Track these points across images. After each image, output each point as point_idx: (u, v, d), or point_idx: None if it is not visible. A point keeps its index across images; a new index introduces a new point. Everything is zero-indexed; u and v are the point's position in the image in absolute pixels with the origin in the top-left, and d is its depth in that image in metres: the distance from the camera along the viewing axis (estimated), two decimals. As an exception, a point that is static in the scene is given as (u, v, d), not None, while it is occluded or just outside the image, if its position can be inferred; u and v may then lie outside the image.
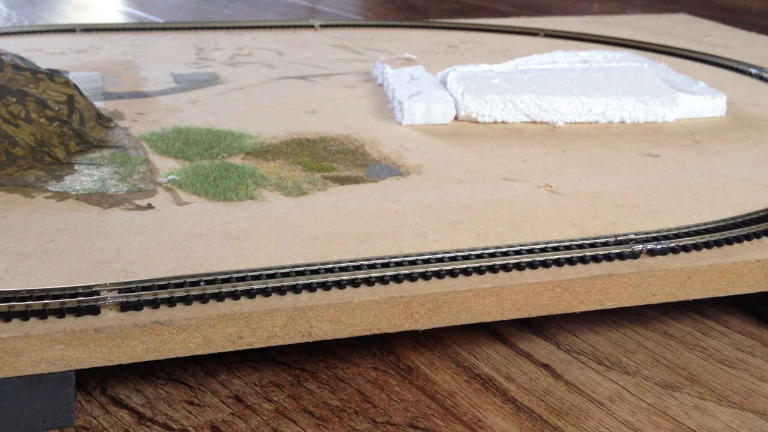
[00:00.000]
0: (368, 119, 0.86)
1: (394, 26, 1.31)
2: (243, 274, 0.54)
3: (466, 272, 0.56)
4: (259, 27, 1.25)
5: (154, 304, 0.51)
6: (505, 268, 0.57)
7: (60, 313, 0.50)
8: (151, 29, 1.22)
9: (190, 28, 1.23)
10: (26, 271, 0.54)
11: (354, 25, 1.30)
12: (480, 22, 1.33)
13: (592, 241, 0.61)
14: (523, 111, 0.86)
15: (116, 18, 1.68)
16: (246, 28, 1.25)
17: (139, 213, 0.63)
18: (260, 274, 0.54)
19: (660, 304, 0.61)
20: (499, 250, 0.59)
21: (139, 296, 0.51)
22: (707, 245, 0.61)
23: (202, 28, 1.23)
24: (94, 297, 0.51)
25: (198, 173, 0.70)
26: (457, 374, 0.57)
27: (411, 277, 0.55)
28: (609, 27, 1.35)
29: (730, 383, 0.58)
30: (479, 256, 0.58)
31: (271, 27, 1.26)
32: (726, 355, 0.61)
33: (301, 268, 0.55)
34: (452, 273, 0.56)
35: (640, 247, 0.60)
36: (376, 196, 0.68)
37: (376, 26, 1.30)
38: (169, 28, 1.23)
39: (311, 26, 1.27)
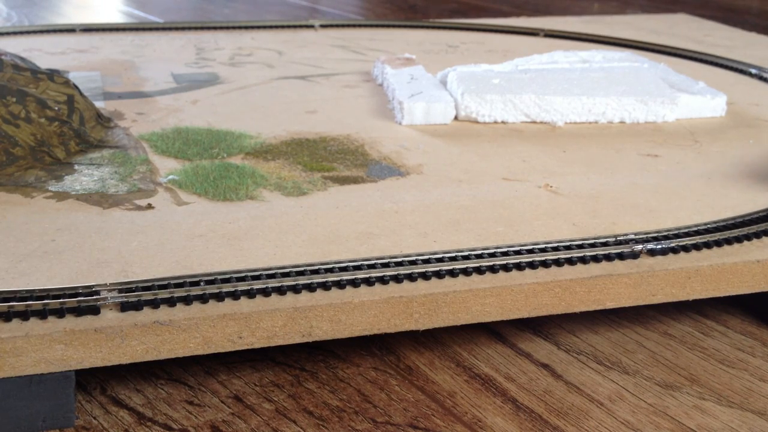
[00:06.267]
0: (368, 119, 0.86)
1: (394, 26, 1.31)
2: (243, 274, 0.54)
3: (466, 272, 0.56)
4: (259, 27, 1.25)
5: (154, 304, 0.51)
6: (505, 268, 0.57)
7: (60, 313, 0.50)
8: (151, 29, 1.22)
9: (190, 28, 1.23)
10: (26, 271, 0.54)
11: (354, 25, 1.30)
12: (480, 22, 1.33)
13: (592, 241, 0.61)
14: (523, 111, 0.86)
15: (116, 18, 1.68)
16: (246, 28, 1.25)
17: (139, 213, 0.63)
18: (260, 274, 0.54)
19: (660, 304, 0.61)
20: (499, 250, 0.59)
21: (139, 296, 0.51)
22: (707, 245, 0.61)
23: (202, 28, 1.23)
24: (94, 297, 0.51)
25: (198, 173, 0.70)
26: (457, 374, 0.57)
27: (411, 277, 0.55)
28: (609, 27, 1.35)
29: (730, 383, 0.58)
30: (479, 256, 0.58)
31: (271, 27, 1.26)
32: (726, 355, 0.61)
33: (301, 268, 0.55)
34: (452, 273, 0.56)
35: (640, 247, 0.60)
36: (376, 196, 0.68)
37: (376, 26, 1.30)
38: (169, 28, 1.23)
39: (311, 26, 1.27)
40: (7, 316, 0.49)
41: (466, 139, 0.81)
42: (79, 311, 0.50)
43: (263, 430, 0.51)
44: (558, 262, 0.58)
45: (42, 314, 0.49)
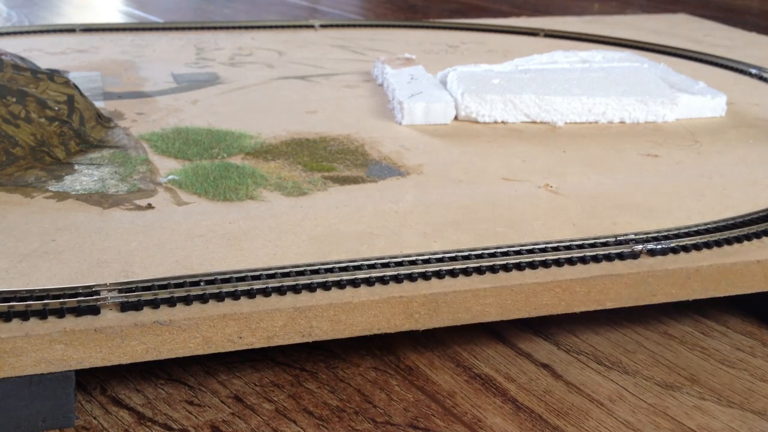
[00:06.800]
0: (368, 119, 0.86)
1: (394, 26, 1.31)
2: (243, 274, 0.54)
3: (466, 272, 0.56)
4: (259, 27, 1.25)
5: (154, 304, 0.51)
6: (505, 268, 0.57)
7: (60, 313, 0.50)
8: (151, 29, 1.22)
9: (190, 28, 1.23)
10: (26, 271, 0.54)
11: (354, 25, 1.30)
12: (480, 22, 1.33)
13: (592, 241, 0.61)
14: (523, 111, 0.86)
15: (116, 18, 1.68)
16: (246, 28, 1.25)
17: (139, 213, 0.63)
18: (260, 274, 0.54)
19: (660, 304, 0.61)
20: (499, 250, 0.59)
21: (139, 296, 0.51)
22: (707, 245, 0.61)
23: (202, 28, 1.23)
24: (94, 297, 0.51)
25: (198, 173, 0.70)
26: (457, 374, 0.57)
27: (411, 277, 0.55)
28: (609, 27, 1.35)
29: (730, 383, 0.58)
30: (479, 256, 0.58)
31: (271, 27, 1.26)
32: (726, 355, 0.61)
33: (301, 268, 0.55)
34: (452, 273, 0.56)
35: (640, 247, 0.60)
36: (376, 196, 0.68)
37: (376, 26, 1.30)
38: (169, 28, 1.23)
39: (311, 26, 1.27)
40: (7, 316, 0.49)
41: (466, 139, 0.81)
42: (79, 311, 0.50)
43: (263, 430, 0.51)
44: (558, 262, 0.58)
45: (42, 314, 0.49)
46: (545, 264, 0.58)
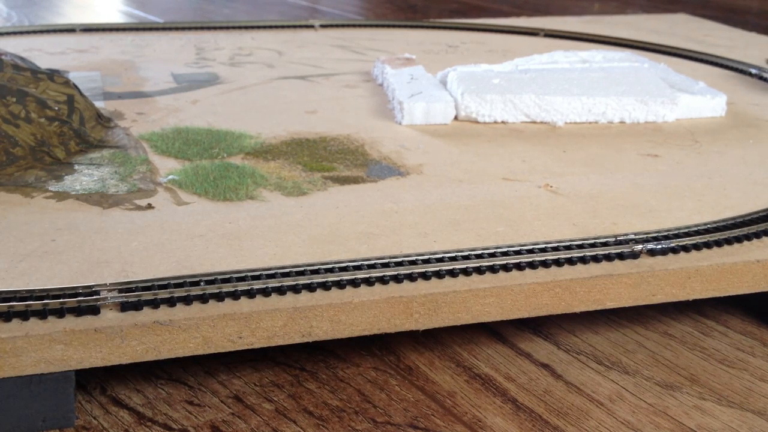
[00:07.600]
0: (368, 119, 0.86)
1: (394, 26, 1.31)
2: (243, 274, 0.54)
3: (466, 272, 0.56)
4: (259, 27, 1.25)
5: (154, 304, 0.51)
6: (505, 268, 0.57)
7: (60, 313, 0.50)
8: (151, 29, 1.22)
9: (190, 28, 1.23)
10: (26, 271, 0.54)
11: (354, 25, 1.30)
12: (480, 22, 1.33)
13: (592, 241, 0.61)
14: (523, 111, 0.86)
15: (116, 18, 1.68)
16: (246, 28, 1.25)
17: (139, 213, 0.63)
18: (260, 274, 0.54)
19: (660, 304, 0.61)
20: (499, 250, 0.59)
21: (139, 296, 0.51)
22: (707, 245, 0.61)
23: (202, 28, 1.23)
24: (94, 297, 0.51)
25: (198, 173, 0.70)
26: (457, 374, 0.57)
27: (411, 277, 0.55)
28: (609, 27, 1.35)
29: (730, 383, 0.58)
30: (479, 256, 0.58)
31: (271, 27, 1.26)
32: (726, 355, 0.61)
33: (301, 268, 0.55)
34: (452, 273, 0.56)
35: (640, 247, 0.60)
36: (376, 196, 0.68)
37: (376, 26, 1.30)
38: (169, 28, 1.23)
39: (311, 26, 1.27)
40: (7, 316, 0.49)
41: (466, 139, 0.81)
42: (79, 311, 0.50)
43: (263, 430, 0.51)
44: (558, 262, 0.58)
45: (42, 314, 0.49)
46: (545, 264, 0.58)
